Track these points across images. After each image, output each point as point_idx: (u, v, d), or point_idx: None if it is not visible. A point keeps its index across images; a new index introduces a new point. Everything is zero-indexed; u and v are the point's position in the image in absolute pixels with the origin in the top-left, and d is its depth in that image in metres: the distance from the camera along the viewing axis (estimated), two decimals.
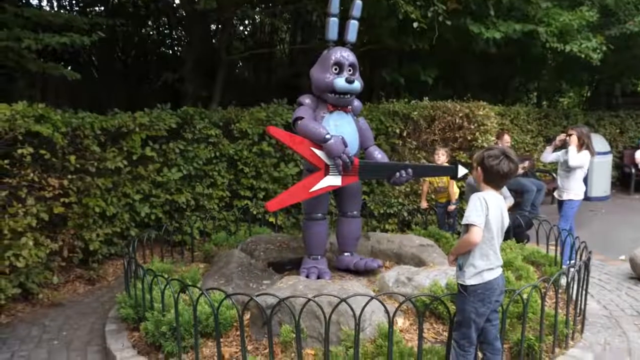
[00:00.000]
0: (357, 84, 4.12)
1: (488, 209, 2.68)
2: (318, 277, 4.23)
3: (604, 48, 8.31)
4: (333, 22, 4.08)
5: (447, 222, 5.95)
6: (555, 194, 5.90)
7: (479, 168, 2.79)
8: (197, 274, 4.38)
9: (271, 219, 6.47)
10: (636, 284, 5.01)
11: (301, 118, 4.11)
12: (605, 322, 4.04)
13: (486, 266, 2.71)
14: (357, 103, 4.57)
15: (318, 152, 4.06)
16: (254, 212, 6.44)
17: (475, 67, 10.10)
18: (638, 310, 4.31)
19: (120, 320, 3.90)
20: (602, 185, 10.00)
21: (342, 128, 4.25)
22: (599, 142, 10.05)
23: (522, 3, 8.22)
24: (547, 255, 4.86)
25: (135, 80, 11.62)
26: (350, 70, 4.17)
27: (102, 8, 10.79)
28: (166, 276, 3.61)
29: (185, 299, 3.65)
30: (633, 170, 10.56)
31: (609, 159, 10.09)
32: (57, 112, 4.94)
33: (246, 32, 13.59)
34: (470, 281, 2.72)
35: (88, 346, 3.87)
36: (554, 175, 9.56)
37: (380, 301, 2.92)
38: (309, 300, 2.83)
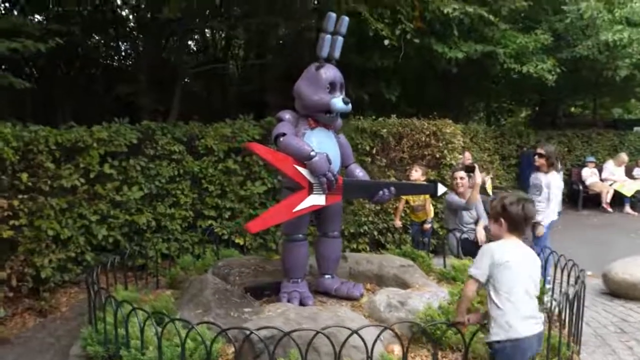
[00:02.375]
0: (350, 105, 4.00)
1: (494, 255, 2.57)
2: (300, 303, 3.99)
3: (558, 70, 8.64)
4: (327, 39, 3.94)
5: (422, 240, 5.86)
6: None
7: (501, 219, 2.67)
8: (169, 303, 4.00)
9: (238, 240, 6.15)
10: (611, 299, 5.09)
11: (283, 134, 3.90)
12: (595, 341, 4.02)
13: (513, 316, 2.50)
14: (338, 120, 4.41)
15: (302, 169, 3.86)
16: (220, 233, 6.10)
17: (434, 86, 10.25)
18: (620, 327, 4.33)
19: (86, 359, 3.46)
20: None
21: (325, 145, 4.06)
22: None
23: (482, 25, 8.42)
24: None
25: (81, 93, 10.96)
26: (340, 89, 4.02)
27: (42, 17, 10.14)
28: (135, 306, 3.24)
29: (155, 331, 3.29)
30: (581, 187, 10.99)
31: (560, 176, 10.44)
32: (7, 125, 4.46)
33: (195, 47, 13.23)
34: (493, 337, 2.53)
35: None
36: (510, 192, 9.83)
37: (395, 332, 2.73)
38: (318, 332, 2.59)
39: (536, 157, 5.59)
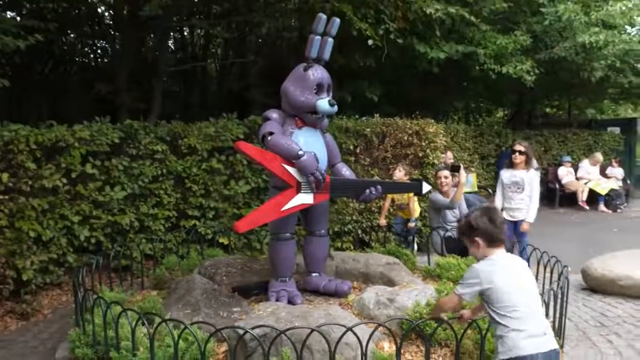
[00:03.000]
0: (336, 107, 4.01)
1: (482, 280, 2.45)
2: (289, 301, 4.00)
3: (537, 71, 8.81)
4: (317, 40, 3.94)
5: (408, 239, 5.91)
6: (505, 214, 5.67)
7: (475, 238, 2.53)
8: (157, 304, 3.96)
9: (222, 240, 6.11)
10: (590, 294, 5.21)
11: (271, 133, 3.90)
12: (577, 334, 4.12)
13: (515, 334, 2.40)
14: (325, 119, 4.42)
15: (290, 168, 3.86)
16: (203, 233, 6.05)
17: (414, 86, 10.35)
18: (600, 321, 4.45)
19: None
20: None
21: (312, 144, 4.07)
22: None
23: (463, 26, 8.53)
24: None
25: (57, 91, 10.73)
26: (327, 90, 4.04)
27: (15, 13, 9.89)
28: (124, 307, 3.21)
29: (145, 332, 3.25)
30: (557, 186, 11.23)
31: (537, 174, 10.64)
32: None
33: (174, 46, 13.09)
34: (500, 356, 2.44)
35: None
36: (490, 190, 9.97)
37: (389, 329, 2.76)
38: (313, 330, 2.60)
39: (517, 154, 5.61)
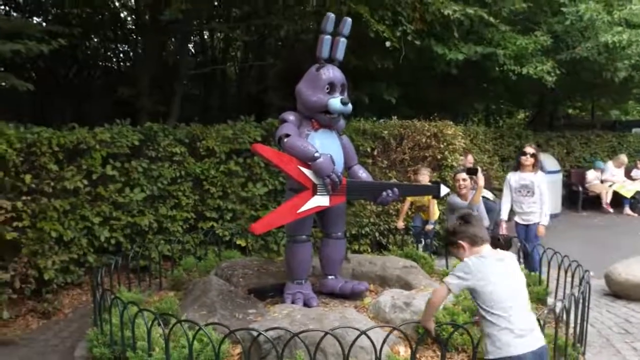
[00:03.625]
0: (350, 106, 4.01)
1: (474, 274, 2.47)
2: (304, 304, 4.00)
3: (558, 71, 8.66)
4: (326, 40, 3.94)
5: (425, 242, 5.87)
6: (518, 219, 5.63)
7: (460, 243, 2.61)
8: (173, 305, 4.00)
9: (240, 242, 6.14)
10: (613, 300, 5.10)
11: (287, 135, 3.90)
12: (600, 341, 4.02)
13: (505, 333, 2.41)
14: (341, 121, 4.41)
15: (306, 171, 3.87)
16: (221, 235, 6.09)
17: (433, 88, 10.26)
18: (624, 328, 4.34)
19: None
20: (553, 202, 10.28)
21: (328, 146, 4.07)
22: (550, 162, 10.45)
23: (482, 26, 8.43)
24: (530, 274, 4.84)
25: (80, 95, 10.94)
26: (341, 90, 4.02)
27: (41, 19, 10.13)
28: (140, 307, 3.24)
29: (160, 333, 3.28)
30: (580, 189, 11.02)
31: (559, 177, 10.47)
32: (10, 126, 4.45)
33: (194, 49, 13.23)
34: (489, 356, 2.46)
35: None
36: None
37: (405, 334, 2.74)
38: (326, 333, 2.59)
39: (527, 156, 5.49)
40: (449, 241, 2.75)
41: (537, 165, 5.49)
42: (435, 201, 5.74)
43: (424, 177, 5.79)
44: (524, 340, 2.41)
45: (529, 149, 5.57)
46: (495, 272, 2.49)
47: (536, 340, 2.46)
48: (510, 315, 2.42)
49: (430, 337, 2.84)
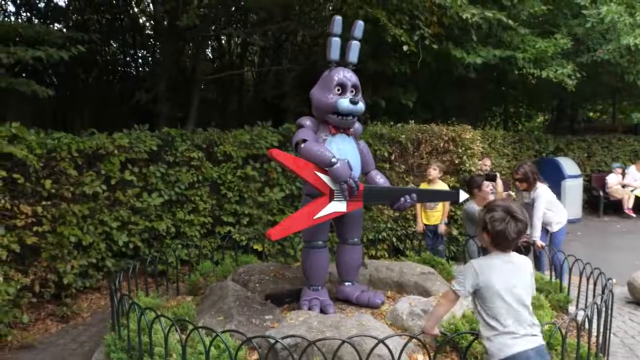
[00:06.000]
0: (361, 105, 3.95)
1: (478, 276, 2.43)
2: (321, 310, 3.97)
3: (578, 75, 8.52)
4: (335, 42, 3.91)
5: (438, 247, 5.81)
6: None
7: (484, 233, 2.51)
8: (190, 310, 4.01)
9: (256, 247, 6.14)
10: (636, 308, 4.98)
11: (304, 141, 3.88)
12: (622, 351, 3.92)
13: (506, 338, 2.38)
14: (358, 125, 4.37)
15: (323, 176, 3.83)
16: (237, 239, 6.10)
17: (451, 92, 10.18)
18: None
19: None
20: (574, 207, 10.15)
21: (346, 152, 4.04)
22: (571, 166, 10.29)
23: (500, 30, 8.35)
24: (550, 282, 4.75)
25: (99, 100, 11.09)
26: (352, 91, 3.98)
27: (62, 25, 10.30)
28: (159, 313, 3.25)
29: (178, 339, 3.28)
30: (602, 194, 10.81)
31: (580, 182, 10.30)
32: (31, 132, 4.51)
33: (211, 54, 13.33)
34: (490, 358, 2.42)
35: None
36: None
37: (423, 342, 2.69)
38: (344, 342, 2.56)
39: (517, 183, 5.44)
40: (481, 220, 2.54)
41: (532, 183, 5.36)
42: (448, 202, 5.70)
43: (435, 171, 5.75)
44: (522, 339, 2.39)
45: (515, 175, 5.45)
46: (496, 277, 2.43)
47: (535, 338, 2.43)
48: (508, 320, 2.39)
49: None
